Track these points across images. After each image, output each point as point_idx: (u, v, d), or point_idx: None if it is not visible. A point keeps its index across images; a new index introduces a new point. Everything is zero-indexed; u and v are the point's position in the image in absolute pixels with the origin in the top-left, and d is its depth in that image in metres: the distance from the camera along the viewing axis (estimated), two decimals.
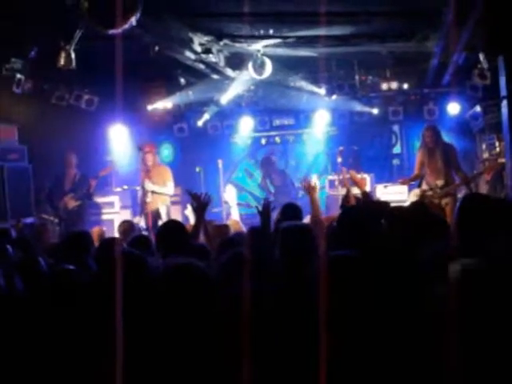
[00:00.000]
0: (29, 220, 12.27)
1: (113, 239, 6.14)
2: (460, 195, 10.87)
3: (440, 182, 11.37)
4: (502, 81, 7.31)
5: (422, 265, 3.65)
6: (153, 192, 12.60)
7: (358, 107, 15.70)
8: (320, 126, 16.75)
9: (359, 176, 8.65)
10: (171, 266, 2.92)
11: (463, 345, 2.58)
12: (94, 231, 9.41)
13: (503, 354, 2.58)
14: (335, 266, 3.20)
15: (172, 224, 5.76)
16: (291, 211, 7.33)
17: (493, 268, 2.74)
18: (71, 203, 13.33)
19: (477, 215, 4.32)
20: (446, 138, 12.62)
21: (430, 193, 11.41)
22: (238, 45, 12.51)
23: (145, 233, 10.97)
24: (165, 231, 5.50)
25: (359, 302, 3.01)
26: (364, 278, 3.11)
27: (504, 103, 7.33)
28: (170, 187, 12.99)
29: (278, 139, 17.42)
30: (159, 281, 2.92)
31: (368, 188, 14.74)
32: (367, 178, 15.14)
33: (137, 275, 3.55)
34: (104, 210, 15.09)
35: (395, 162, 16.05)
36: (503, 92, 7.34)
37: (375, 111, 15.62)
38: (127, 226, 8.76)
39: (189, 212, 13.68)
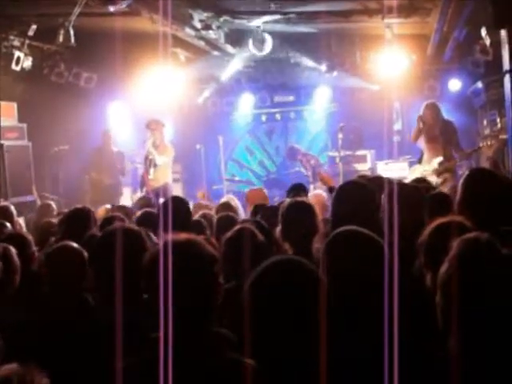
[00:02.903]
0: (29, 198, 12.26)
1: (115, 216, 6.14)
2: (461, 172, 10.85)
3: (439, 159, 11.34)
4: (505, 54, 7.26)
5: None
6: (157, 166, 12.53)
7: (359, 84, 15.64)
8: (321, 102, 16.71)
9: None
10: (170, 243, 2.88)
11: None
12: (101, 210, 9.35)
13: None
14: (341, 242, 3.18)
15: (175, 201, 5.72)
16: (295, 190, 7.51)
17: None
18: (107, 179, 13.60)
19: (484, 189, 4.29)
20: (447, 114, 12.56)
21: (427, 169, 11.37)
22: (237, 21, 12.46)
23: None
24: (168, 207, 5.47)
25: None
26: (371, 253, 3.08)
27: (507, 77, 7.28)
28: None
29: (278, 116, 17.36)
30: (155, 256, 2.88)
31: (369, 165, 14.76)
32: (368, 155, 15.16)
33: (136, 252, 3.53)
34: None
35: (396, 138, 15.97)
36: (506, 66, 7.28)
37: (376, 87, 15.55)
38: (144, 202, 8.82)
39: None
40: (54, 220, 7.70)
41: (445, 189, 10.32)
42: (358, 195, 4.79)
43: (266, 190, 9.99)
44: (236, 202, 9.08)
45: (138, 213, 6.70)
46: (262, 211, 6.67)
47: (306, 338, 2.41)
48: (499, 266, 2.59)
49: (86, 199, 12.84)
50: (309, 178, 14.97)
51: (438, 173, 11.29)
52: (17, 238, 5.30)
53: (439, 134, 11.48)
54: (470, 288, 2.55)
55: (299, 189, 7.87)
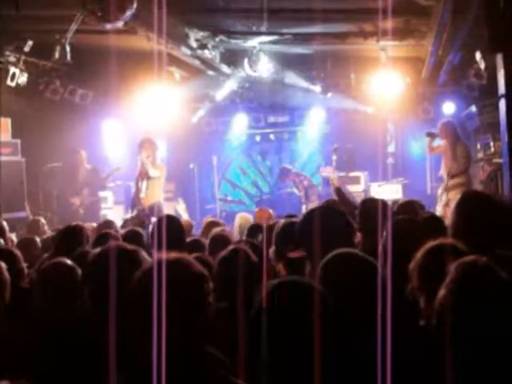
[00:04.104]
0: (22, 214, 12.22)
1: (108, 233, 6.13)
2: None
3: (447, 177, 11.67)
4: (501, 79, 7.28)
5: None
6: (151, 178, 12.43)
7: (353, 105, 15.68)
8: (315, 123, 16.76)
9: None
10: (161, 261, 2.87)
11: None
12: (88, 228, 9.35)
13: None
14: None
15: (168, 219, 5.70)
16: None
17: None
18: (88, 199, 13.45)
19: (478, 212, 4.27)
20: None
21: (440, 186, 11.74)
22: (233, 41, 12.50)
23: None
24: (161, 226, 5.46)
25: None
26: (367, 275, 3.07)
27: (502, 101, 7.30)
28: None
29: (272, 136, 17.38)
30: (147, 275, 2.87)
31: (362, 186, 14.77)
32: (361, 177, 15.16)
33: (130, 269, 3.51)
34: None
35: (389, 160, 16.00)
36: (501, 90, 7.31)
37: (370, 109, 15.60)
38: (137, 222, 8.81)
39: (180, 208, 13.64)
40: (37, 237, 7.71)
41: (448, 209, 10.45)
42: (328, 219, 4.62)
43: (271, 211, 9.98)
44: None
45: (123, 231, 6.70)
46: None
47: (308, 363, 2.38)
48: (499, 290, 2.58)
49: (77, 217, 12.78)
50: (301, 199, 14.99)
51: (448, 189, 11.45)
52: (6, 254, 5.26)
53: (449, 151, 11.73)
54: (469, 313, 2.53)
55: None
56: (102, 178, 13.85)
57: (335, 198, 8.71)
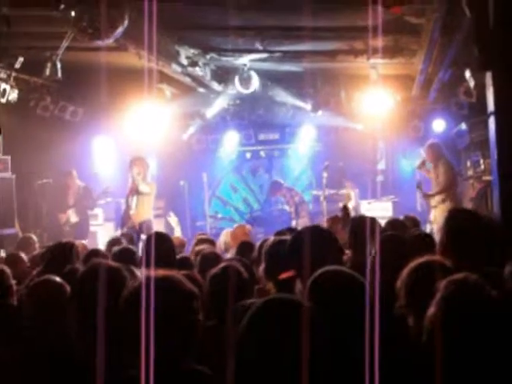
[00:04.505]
0: (11, 231, 12.17)
1: (98, 251, 6.12)
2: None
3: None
4: (490, 96, 7.30)
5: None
6: (142, 193, 12.39)
7: (344, 123, 15.72)
8: (305, 141, 16.78)
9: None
10: (150, 279, 2.87)
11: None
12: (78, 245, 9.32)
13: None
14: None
15: (157, 237, 5.69)
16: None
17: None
18: (73, 218, 13.37)
19: (467, 229, 4.27)
20: None
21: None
22: (224, 58, 12.53)
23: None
24: (151, 243, 5.44)
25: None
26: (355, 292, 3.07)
27: (491, 119, 7.32)
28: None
29: (263, 154, 17.41)
30: (136, 292, 2.87)
31: (352, 203, 14.77)
32: (352, 194, 15.16)
33: (118, 288, 3.50)
34: None
35: (379, 178, 16.04)
36: (490, 108, 7.33)
37: (360, 127, 15.64)
38: (127, 240, 8.75)
39: (173, 220, 13.60)
40: (23, 254, 7.67)
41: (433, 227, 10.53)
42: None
43: (248, 227, 9.96)
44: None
45: (116, 248, 6.66)
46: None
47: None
48: (489, 308, 2.57)
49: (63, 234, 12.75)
50: (292, 214, 15.01)
51: (432, 207, 11.57)
52: None
53: (434, 172, 11.92)
54: (458, 331, 2.52)
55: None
56: (93, 198, 13.83)
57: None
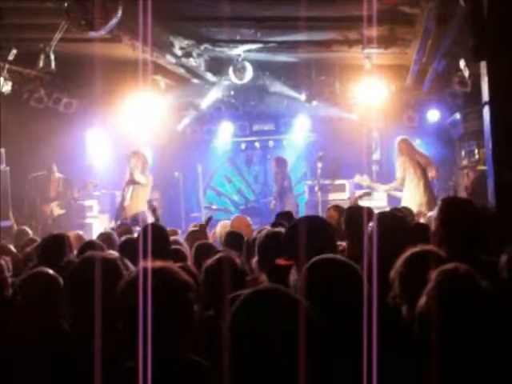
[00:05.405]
0: (6, 223, 12.15)
1: (93, 243, 6.10)
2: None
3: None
4: (485, 86, 7.31)
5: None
6: (138, 183, 12.38)
7: (338, 113, 15.70)
8: (300, 131, 16.77)
9: None
10: (146, 270, 2.87)
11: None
12: (71, 235, 9.31)
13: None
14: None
15: (154, 227, 5.67)
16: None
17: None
18: (57, 211, 13.36)
19: (461, 218, 4.27)
20: (426, 144, 12.71)
21: None
22: (218, 49, 12.50)
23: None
24: (148, 234, 5.43)
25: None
26: (350, 279, 3.07)
27: (486, 109, 7.33)
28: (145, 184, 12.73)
29: (257, 144, 17.39)
30: (132, 283, 2.87)
31: (347, 194, 14.78)
32: (346, 185, 15.16)
33: (111, 280, 3.50)
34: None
35: (374, 168, 16.04)
36: (485, 97, 7.34)
37: (355, 117, 15.62)
38: (124, 229, 8.74)
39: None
40: (10, 245, 7.69)
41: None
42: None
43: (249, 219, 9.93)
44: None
45: (121, 239, 6.63)
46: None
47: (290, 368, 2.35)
48: (477, 298, 2.59)
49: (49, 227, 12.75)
50: (274, 194, 15.20)
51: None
52: None
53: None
54: (448, 321, 2.54)
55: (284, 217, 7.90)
56: (75, 190, 13.82)
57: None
